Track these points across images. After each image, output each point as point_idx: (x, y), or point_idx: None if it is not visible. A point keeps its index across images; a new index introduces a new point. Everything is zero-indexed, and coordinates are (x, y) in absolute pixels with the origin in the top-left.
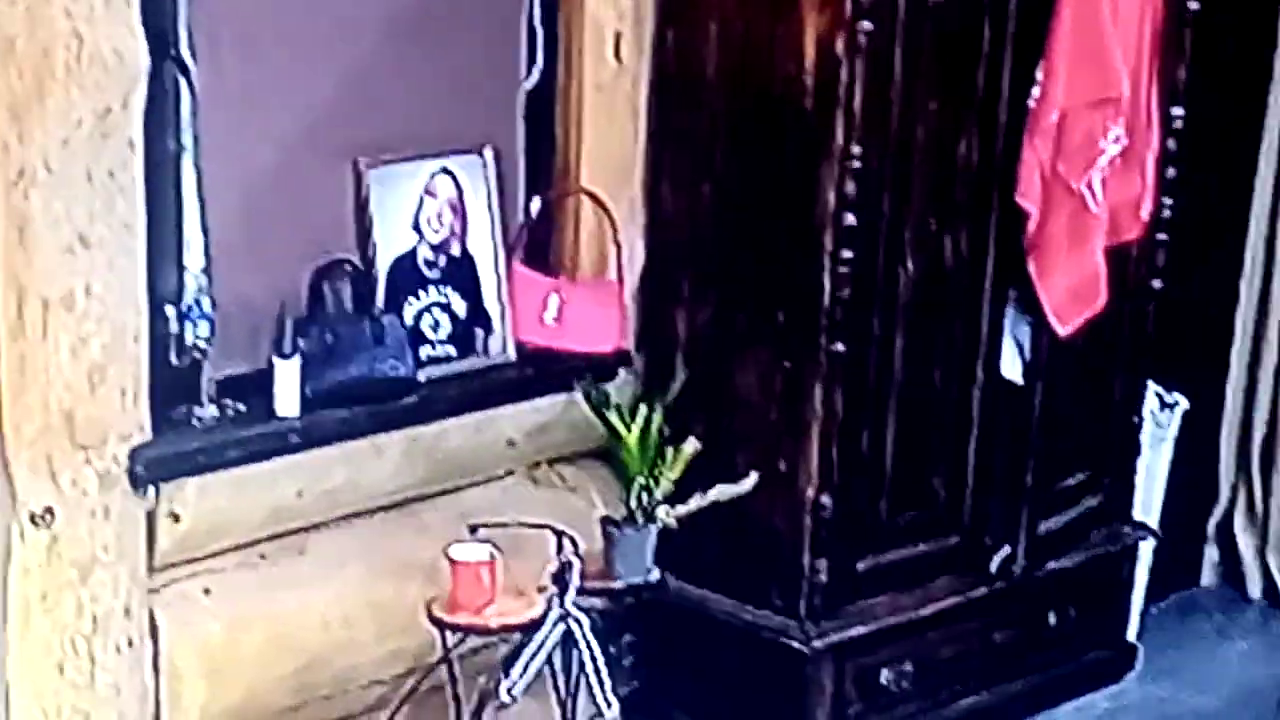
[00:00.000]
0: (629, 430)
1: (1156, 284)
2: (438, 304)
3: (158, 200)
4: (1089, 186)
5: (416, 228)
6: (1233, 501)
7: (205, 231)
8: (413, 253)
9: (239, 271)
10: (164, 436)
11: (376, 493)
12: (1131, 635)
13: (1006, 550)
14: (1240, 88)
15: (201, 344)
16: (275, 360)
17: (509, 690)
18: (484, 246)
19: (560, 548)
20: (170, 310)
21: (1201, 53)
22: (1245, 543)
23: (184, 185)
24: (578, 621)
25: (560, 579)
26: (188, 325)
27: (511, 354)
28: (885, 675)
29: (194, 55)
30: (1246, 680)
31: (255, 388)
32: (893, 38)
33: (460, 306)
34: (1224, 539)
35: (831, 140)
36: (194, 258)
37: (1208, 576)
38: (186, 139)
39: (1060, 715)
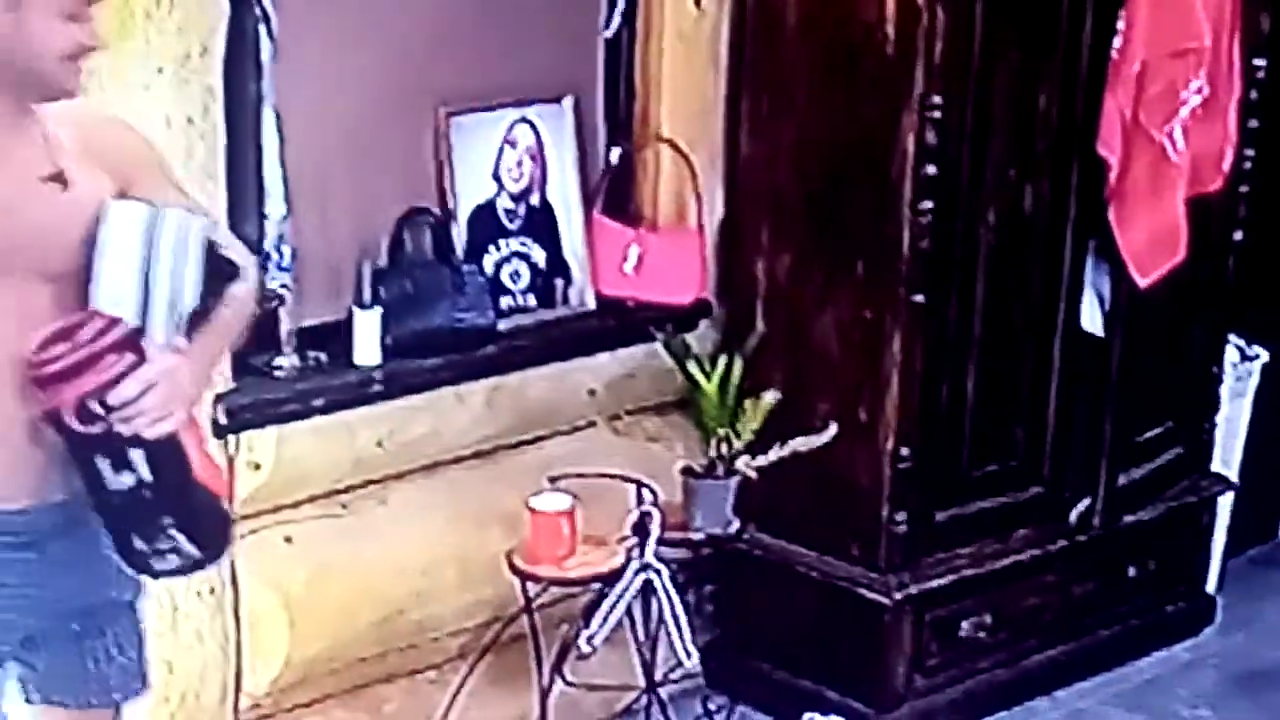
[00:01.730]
0: (709, 380)
1: (1237, 236)
2: (517, 254)
3: (238, 147)
4: (1170, 136)
5: (496, 177)
6: None
7: (285, 179)
8: (492, 202)
9: (319, 220)
10: (244, 385)
11: (458, 443)
12: (1210, 588)
13: (1086, 502)
14: None
15: (282, 292)
16: (355, 309)
17: (589, 640)
18: (564, 196)
19: (640, 498)
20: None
21: None
22: None
23: (264, 133)
24: (658, 572)
25: (640, 529)
26: (268, 273)
27: (591, 304)
28: (965, 627)
29: (275, 2)
30: None
31: (335, 337)
32: None
33: (540, 256)
34: None
35: (912, 89)
36: (274, 205)
37: None
38: (267, 86)
39: (1140, 667)
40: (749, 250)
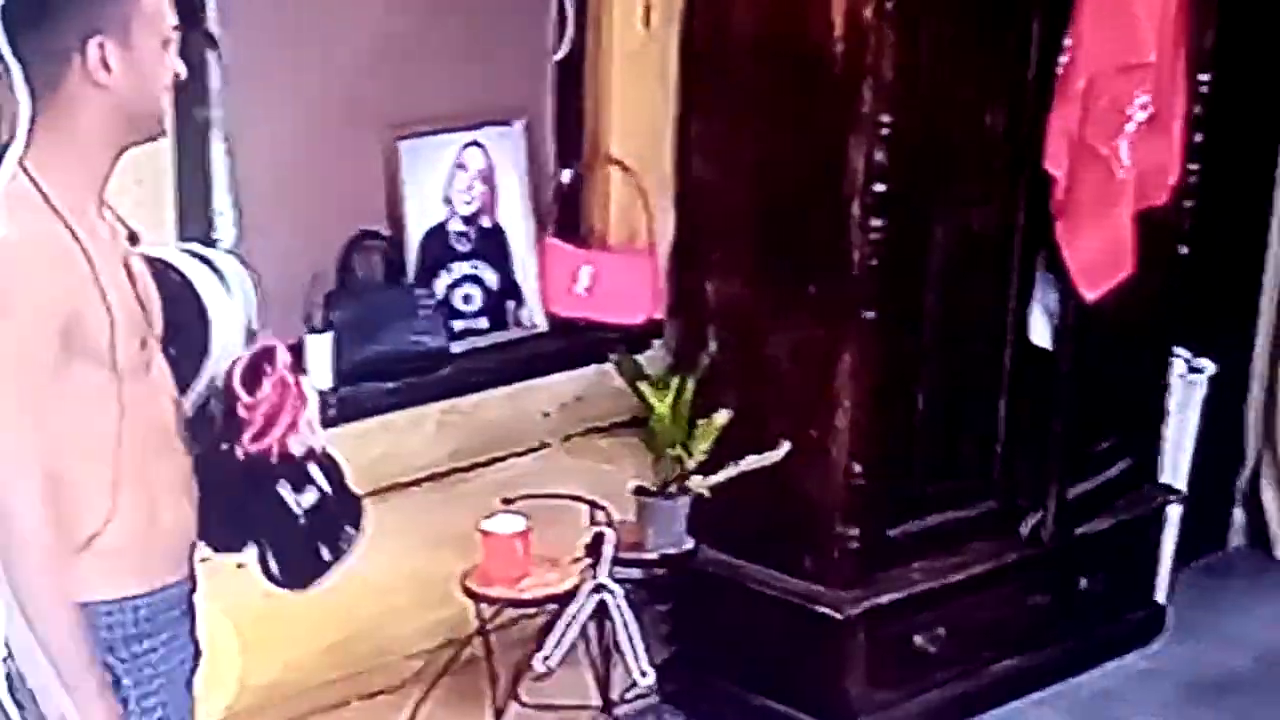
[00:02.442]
0: (662, 401)
1: (1183, 250)
2: (469, 276)
3: (187, 173)
4: (1116, 152)
5: (447, 200)
6: (1259, 464)
7: (235, 204)
8: (444, 225)
9: (269, 244)
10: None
11: (412, 465)
12: (1161, 597)
13: (1037, 515)
14: (1268, 51)
15: None
16: (307, 334)
17: (545, 661)
18: (515, 218)
19: (594, 519)
20: None
21: (1228, 16)
22: (1271, 504)
23: (213, 158)
24: (612, 592)
25: (595, 549)
26: None
27: (544, 326)
28: (919, 640)
29: (222, 26)
30: (1275, 640)
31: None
32: (920, 5)
33: (492, 279)
34: (1251, 501)
35: (861, 107)
36: (224, 230)
37: (1235, 538)
38: (215, 111)
39: (1094, 677)
40: (701, 270)
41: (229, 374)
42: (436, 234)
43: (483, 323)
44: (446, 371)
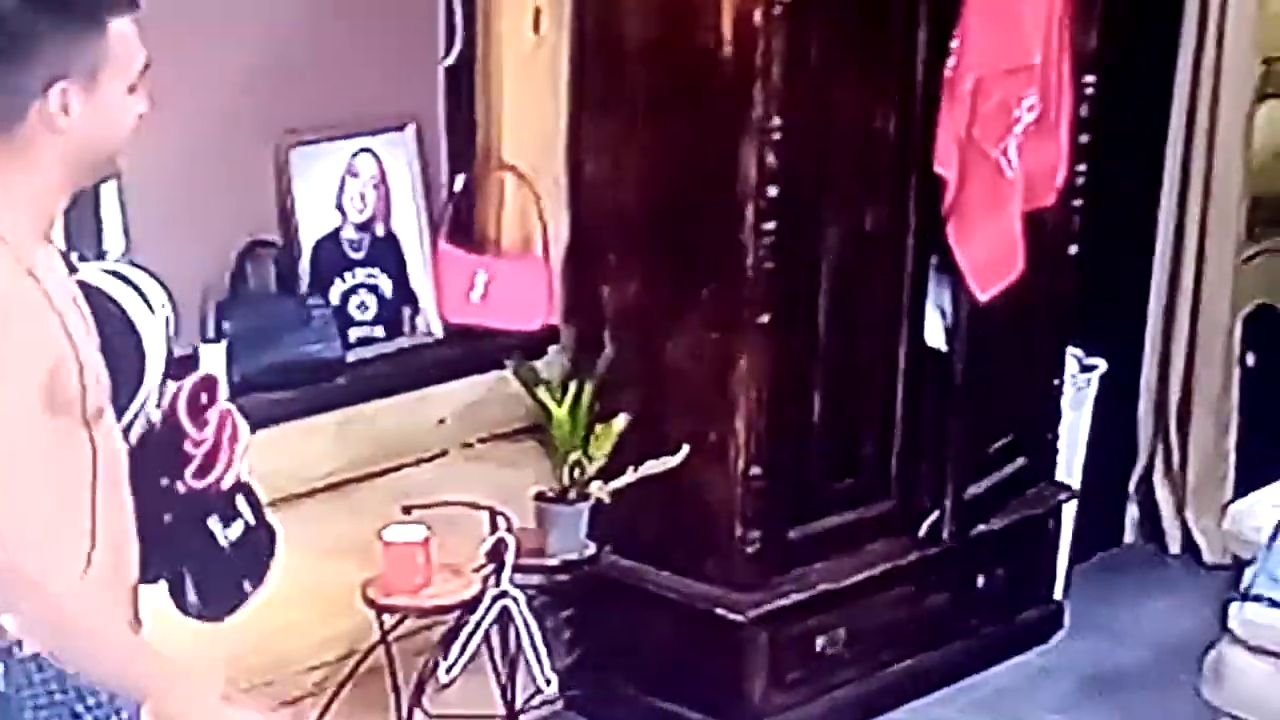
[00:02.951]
0: (559, 406)
1: (1073, 249)
2: (364, 284)
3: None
4: (1004, 153)
5: (340, 207)
6: (1151, 461)
7: (123, 213)
8: (336, 233)
9: (159, 254)
10: None
11: (310, 475)
12: (1058, 594)
13: (935, 514)
14: (1150, 54)
15: None
16: (200, 344)
17: (448, 669)
18: (408, 225)
19: (494, 525)
20: None
21: (1111, 19)
22: (1164, 500)
23: None
24: (514, 599)
25: (495, 556)
26: None
27: (440, 333)
28: (820, 642)
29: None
30: (1171, 634)
31: (182, 373)
32: (811, 8)
33: (387, 286)
34: (1144, 497)
35: (751, 111)
36: (112, 241)
37: (1130, 534)
38: None
39: (994, 675)
40: (596, 275)
41: (173, 407)
42: (329, 242)
43: (378, 330)
44: (342, 380)
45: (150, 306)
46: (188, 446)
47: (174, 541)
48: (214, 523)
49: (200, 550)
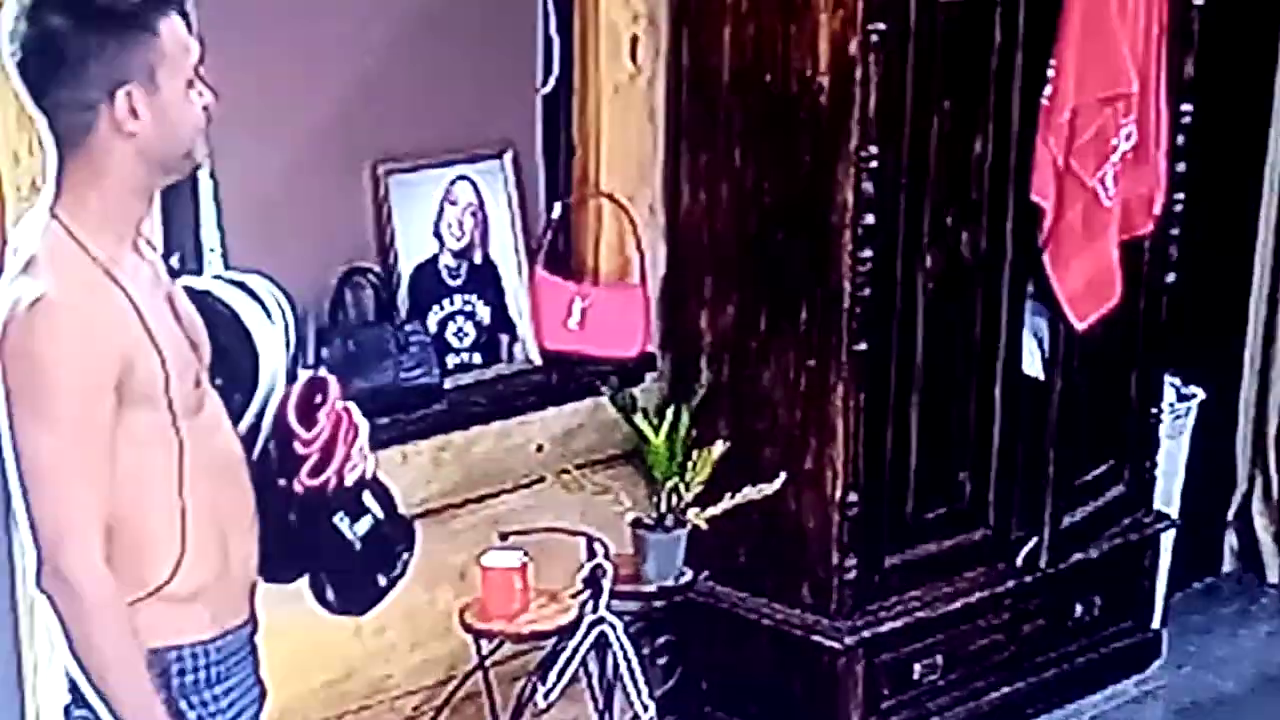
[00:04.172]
0: (656, 433)
1: (1170, 278)
2: (461, 311)
3: (174, 212)
4: (1102, 182)
5: (438, 235)
6: (1250, 489)
7: (223, 241)
8: (434, 260)
9: None
10: None
11: (406, 501)
12: (1156, 623)
13: (1032, 543)
14: (1247, 80)
15: None
16: (298, 371)
17: (545, 696)
18: (506, 253)
19: (591, 552)
20: None
21: (1208, 46)
22: (1263, 528)
23: (200, 195)
24: (611, 625)
25: (593, 583)
26: None
27: (537, 360)
28: (917, 669)
29: (203, 61)
30: (1269, 663)
31: None
32: (905, 38)
33: (484, 313)
34: (1243, 526)
35: (847, 140)
36: (212, 267)
37: (1228, 563)
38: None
39: (1090, 704)
40: (692, 302)
41: (283, 410)
42: (427, 269)
43: (476, 357)
44: (440, 407)
45: (269, 314)
46: (298, 447)
47: (300, 541)
48: (340, 520)
49: (329, 548)
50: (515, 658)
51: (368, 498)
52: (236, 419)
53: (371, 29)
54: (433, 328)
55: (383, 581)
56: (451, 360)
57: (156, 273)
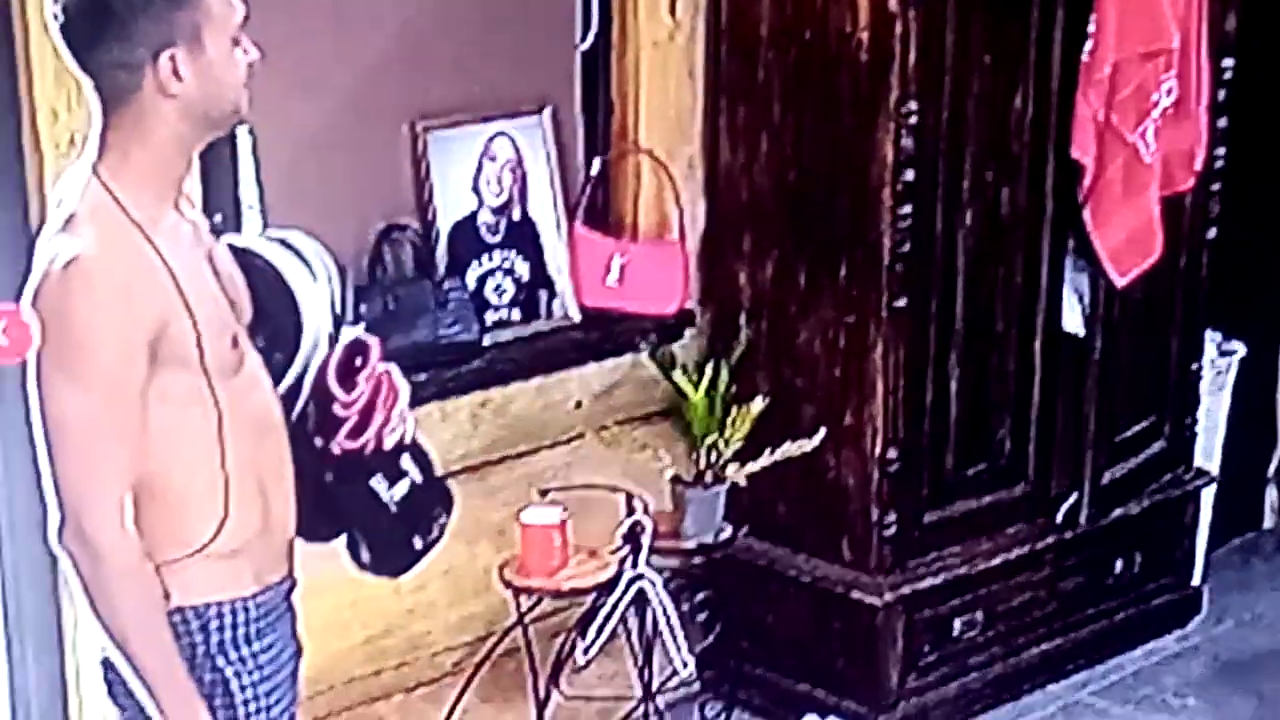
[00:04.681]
0: (696, 390)
1: (1211, 233)
2: (500, 268)
3: (212, 168)
4: (1143, 137)
5: (476, 191)
6: None
7: (262, 198)
8: (473, 216)
9: None
10: None
11: (444, 458)
12: (1196, 579)
13: (1073, 498)
14: None
15: None
16: (341, 330)
17: (584, 652)
18: (545, 209)
19: (631, 508)
20: None
21: (1250, 2)
22: None
23: (239, 152)
24: (650, 582)
25: (632, 539)
26: None
27: (576, 316)
28: (957, 625)
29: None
30: None
31: None
32: None
33: (523, 270)
34: None
35: (887, 96)
36: (251, 224)
37: (1268, 519)
38: None
39: (1130, 659)
40: (731, 258)
41: (323, 372)
42: (466, 226)
43: (515, 314)
44: (479, 363)
45: (313, 272)
46: (337, 409)
47: (336, 502)
48: (378, 482)
49: (365, 509)
50: (554, 614)
51: (406, 461)
52: (277, 378)
53: None
54: (471, 284)
55: (419, 544)
56: (490, 317)
57: (197, 231)
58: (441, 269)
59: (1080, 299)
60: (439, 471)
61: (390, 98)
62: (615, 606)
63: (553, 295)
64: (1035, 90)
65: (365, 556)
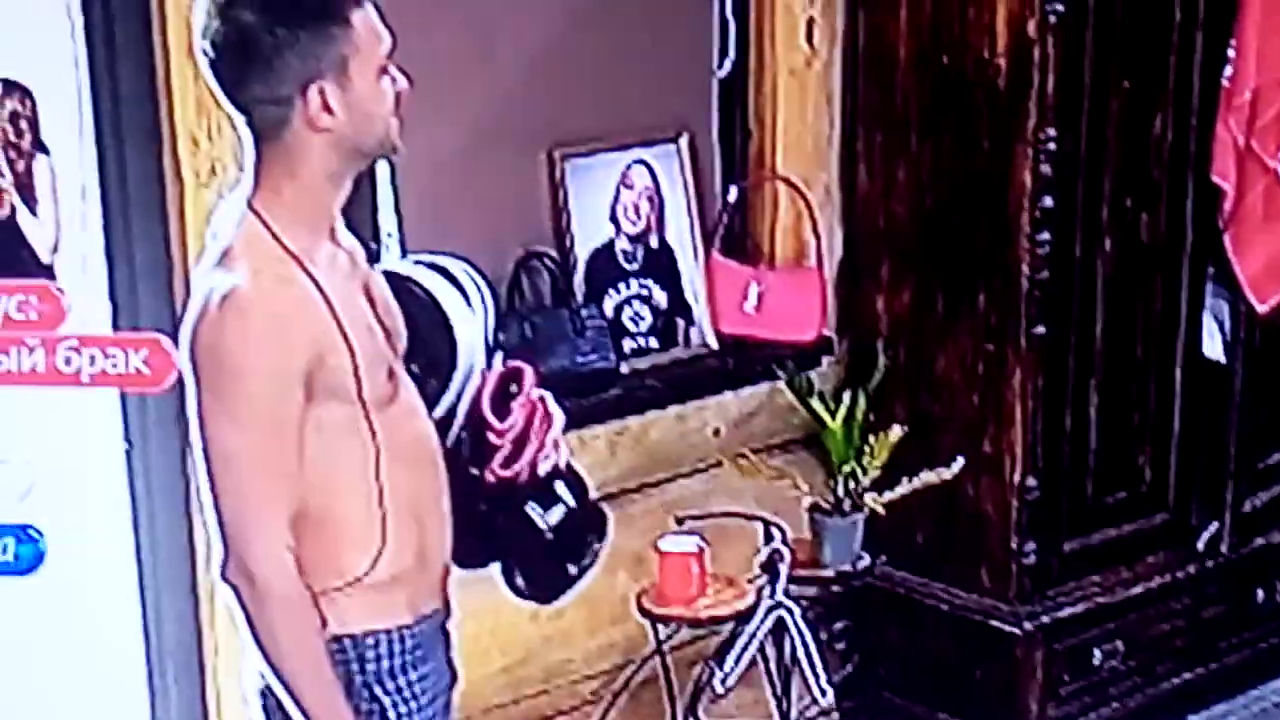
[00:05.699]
0: (834, 417)
1: None
2: (638, 296)
3: (351, 198)
4: None
5: (614, 219)
6: None
7: (400, 225)
8: (610, 244)
9: None
10: None
11: None
12: None
13: (1214, 527)
14: None
15: None
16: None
17: (722, 681)
18: (682, 237)
19: (769, 537)
20: None
21: None
22: None
23: (378, 180)
24: (789, 610)
25: (770, 568)
26: None
27: (713, 344)
28: (1098, 655)
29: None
30: None
31: None
32: (1084, 18)
33: (660, 298)
34: None
35: (1025, 122)
36: (391, 252)
37: None
38: None
39: (1271, 690)
40: (869, 286)
41: (477, 400)
42: (603, 253)
43: (652, 342)
44: (616, 391)
45: (468, 299)
46: (491, 437)
47: (491, 529)
48: (532, 509)
49: (520, 536)
50: (692, 642)
51: (560, 487)
52: (431, 405)
53: (548, 11)
54: (609, 312)
55: (573, 570)
56: (628, 345)
57: (354, 259)
58: (579, 297)
59: (1221, 325)
60: (593, 496)
61: (528, 125)
62: (753, 635)
63: (690, 323)
64: (1175, 115)
65: (520, 582)
